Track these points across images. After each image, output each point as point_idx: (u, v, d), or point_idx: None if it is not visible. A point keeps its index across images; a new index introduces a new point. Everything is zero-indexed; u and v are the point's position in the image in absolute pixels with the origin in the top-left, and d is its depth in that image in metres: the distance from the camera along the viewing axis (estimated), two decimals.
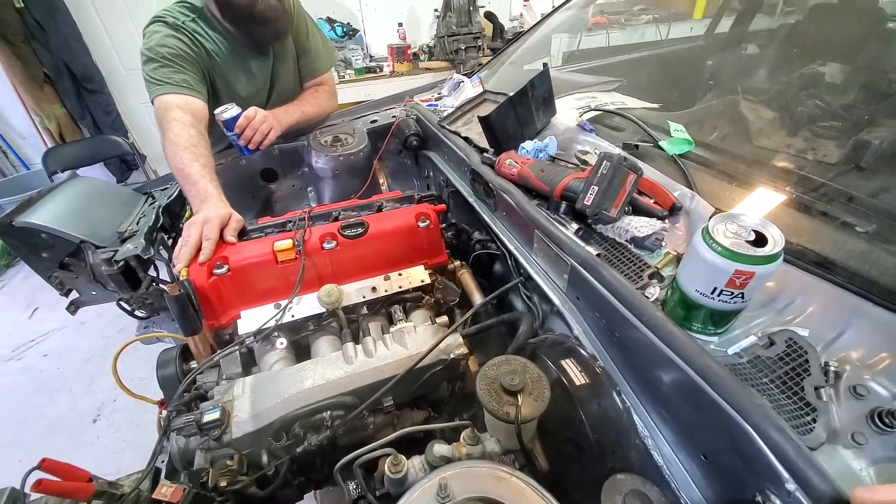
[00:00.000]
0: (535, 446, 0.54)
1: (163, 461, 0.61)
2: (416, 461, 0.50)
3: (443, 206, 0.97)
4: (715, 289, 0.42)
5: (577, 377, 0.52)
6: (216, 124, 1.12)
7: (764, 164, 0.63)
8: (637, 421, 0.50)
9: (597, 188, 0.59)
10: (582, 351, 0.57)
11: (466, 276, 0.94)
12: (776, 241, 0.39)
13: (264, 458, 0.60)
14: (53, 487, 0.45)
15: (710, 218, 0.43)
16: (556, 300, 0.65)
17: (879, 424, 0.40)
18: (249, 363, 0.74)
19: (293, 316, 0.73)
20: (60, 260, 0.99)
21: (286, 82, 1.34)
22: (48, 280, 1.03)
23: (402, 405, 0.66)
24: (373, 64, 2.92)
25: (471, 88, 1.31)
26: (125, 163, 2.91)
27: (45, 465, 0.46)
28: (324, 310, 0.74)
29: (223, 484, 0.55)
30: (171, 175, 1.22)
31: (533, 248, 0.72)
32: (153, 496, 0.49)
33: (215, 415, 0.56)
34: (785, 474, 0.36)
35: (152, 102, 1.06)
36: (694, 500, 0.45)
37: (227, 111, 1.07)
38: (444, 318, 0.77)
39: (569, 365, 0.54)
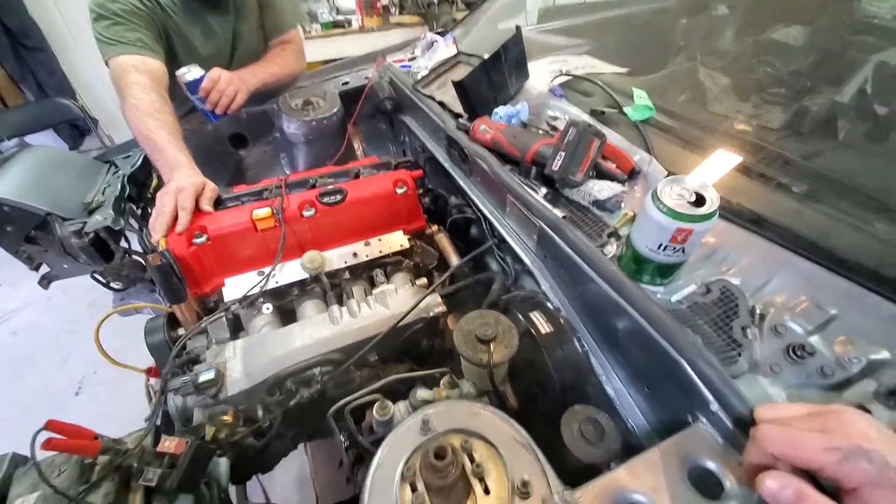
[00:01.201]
0: (506, 388, 0.61)
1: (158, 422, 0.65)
2: (401, 405, 0.56)
3: (419, 171, 0.99)
4: (661, 244, 0.47)
5: (543, 327, 0.58)
6: (177, 87, 1.07)
7: (715, 129, 0.68)
8: (594, 362, 0.58)
9: (563, 154, 0.62)
10: (548, 304, 0.63)
11: (444, 240, 0.97)
12: (713, 201, 0.44)
13: (259, 413, 0.64)
14: (62, 445, 0.48)
15: (660, 182, 0.47)
16: (526, 260, 0.71)
17: (793, 356, 0.47)
18: (237, 329, 0.77)
19: (277, 283, 0.76)
20: (26, 234, 0.96)
21: (249, 41, 1.27)
22: (16, 255, 1.00)
23: (385, 360, 0.72)
24: (340, 18, 2.76)
25: (444, 48, 1.28)
26: (76, 128, 2.71)
27: (50, 425, 0.48)
28: (307, 275, 0.76)
29: (222, 436, 0.60)
30: (132, 142, 1.17)
31: (506, 211, 0.76)
32: (157, 449, 0.53)
33: (210, 375, 0.60)
34: (710, 398, 0.43)
35: (106, 64, 1.00)
36: (639, 425, 0.53)
37: (190, 72, 1.02)
38: (424, 280, 0.81)
39: (536, 317, 0.60)
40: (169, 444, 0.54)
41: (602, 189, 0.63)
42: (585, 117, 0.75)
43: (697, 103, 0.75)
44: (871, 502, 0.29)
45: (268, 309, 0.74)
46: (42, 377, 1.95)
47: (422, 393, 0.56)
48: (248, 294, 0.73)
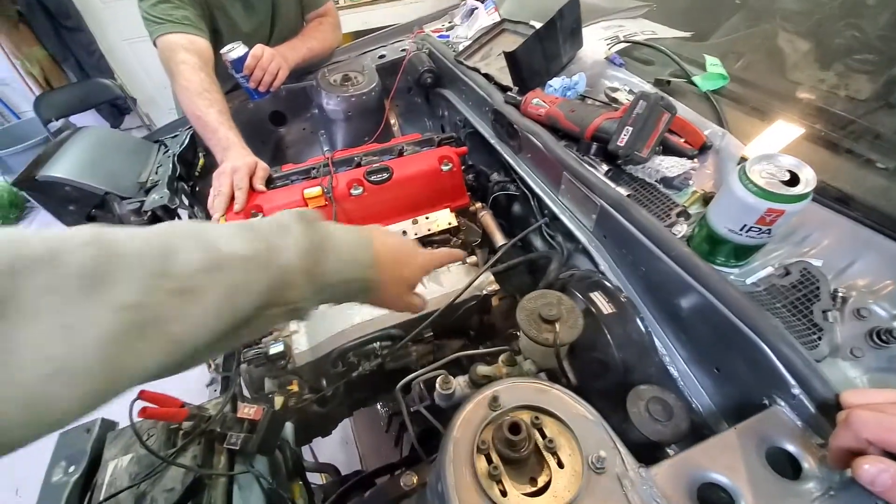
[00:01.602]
0: (566, 366, 0.61)
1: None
2: (461, 380, 0.58)
3: (464, 148, 0.98)
4: (744, 226, 0.45)
5: (605, 307, 0.58)
6: (219, 63, 1.07)
7: (795, 99, 0.63)
8: (657, 342, 0.57)
9: (631, 129, 0.60)
10: (607, 283, 0.62)
11: (487, 218, 0.97)
12: (808, 181, 0.42)
13: (323, 382, 0.68)
14: (157, 413, 0.52)
15: (744, 157, 0.45)
16: (583, 239, 0.69)
17: (876, 341, 0.46)
18: None
19: None
20: (87, 212, 1.02)
21: (288, 15, 1.25)
22: None
23: (439, 335, 0.73)
24: None
25: (485, 16, 1.23)
26: (116, 107, 2.79)
27: (143, 395, 0.53)
28: None
29: (291, 404, 0.64)
30: (178, 122, 1.20)
31: (560, 189, 0.75)
32: (238, 415, 0.57)
33: (280, 347, 0.63)
34: (791, 381, 0.42)
35: (154, 43, 1.01)
36: (704, 405, 0.53)
37: (234, 50, 1.02)
38: (474, 258, 0.81)
39: (597, 296, 0.59)
40: (248, 410, 0.58)
41: (670, 166, 0.60)
42: (653, 89, 0.71)
43: (775, 71, 0.69)
44: None
45: None
46: None
47: (482, 368, 0.57)
48: None
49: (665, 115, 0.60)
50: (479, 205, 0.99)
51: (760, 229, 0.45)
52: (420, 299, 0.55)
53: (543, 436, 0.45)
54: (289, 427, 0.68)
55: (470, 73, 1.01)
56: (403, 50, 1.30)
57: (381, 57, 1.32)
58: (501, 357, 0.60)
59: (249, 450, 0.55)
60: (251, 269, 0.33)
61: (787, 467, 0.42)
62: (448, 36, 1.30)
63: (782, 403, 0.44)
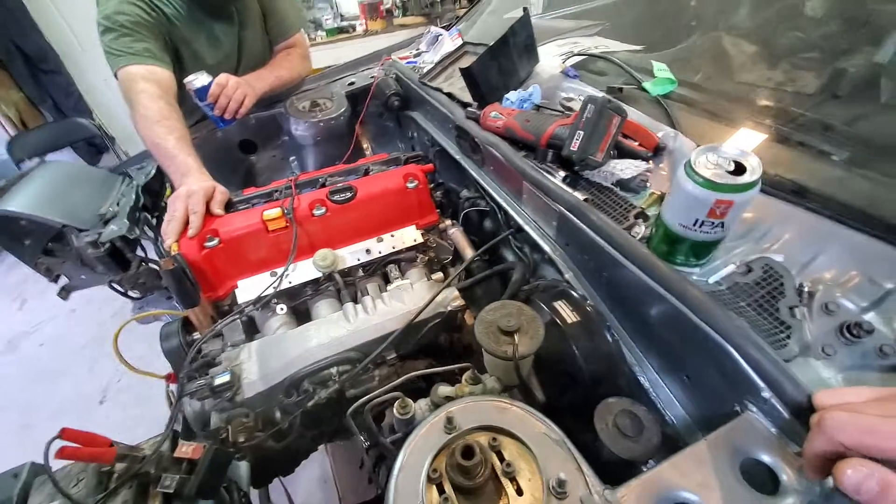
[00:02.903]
0: (531, 381, 0.58)
1: (177, 427, 0.64)
2: (422, 403, 0.54)
3: (430, 165, 0.97)
4: (697, 220, 0.44)
5: (569, 316, 0.55)
6: (187, 97, 1.07)
7: (744, 98, 0.64)
8: (625, 351, 0.54)
9: (582, 133, 0.59)
10: (573, 292, 0.60)
11: (458, 234, 0.95)
12: (754, 168, 0.40)
13: (277, 415, 0.63)
14: (77, 453, 0.47)
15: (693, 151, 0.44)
16: (546, 248, 0.67)
17: (847, 336, 0.43)
18: (251, 331, 0.76)
19: (290, 283, 0.74)
20: (44, 246, 0.97)
21: (255, 48, 1.27)
22: (34, 267, 1.01)
23: (405, 358, 0.69)
24: (345, 24, 2.77)
25: (450, 42, 1.26)
26: (94, 146, 2.78)
27: (65, 434, 0.47)
28: (320, 274, 0.75)
29: (241, 440, 0.58)
30: (146, 153, 1.18)
31: (522, 199, 0.73)
32: (174, 455, 0.51)
33: (226, 378, 0.58)
34: (761, 384, 0.39)
35: (115, 76, 1.01)
36: (677, 416, 0.50)
37: (198, 79, 1.02)
38: (440, 275, 0.79)
39: (561, 306, 0.56)
40: (186, 448, 0.52)
41: (625, 168, 0.59)
42: (602, 94, 0.71)
43: (723, 74, 0.71)
44: None
45: (282, 309, 0.73)
46: (68, 387, 2.00)
47: (443, 389, 0.53)
48: (262, 295, 0.71)
49: (615, 119, 0.60)
50: (448, 221, 0.98)
51: (713, 223, 0.43)
52: None
53: (502, 459, 0.41)
54: (243, 467, 0.62)
55: (433, 93, 1.02)
56: (372, 77, 1.32)
57: (351, 84, 1.33)
58: (465, 375, 0.56)
59: (186, 493, 0.49)
60: None
61: (766, 480, 0.38)
62: (416, 62, 1.32)
63: (754, 409, 0.40)
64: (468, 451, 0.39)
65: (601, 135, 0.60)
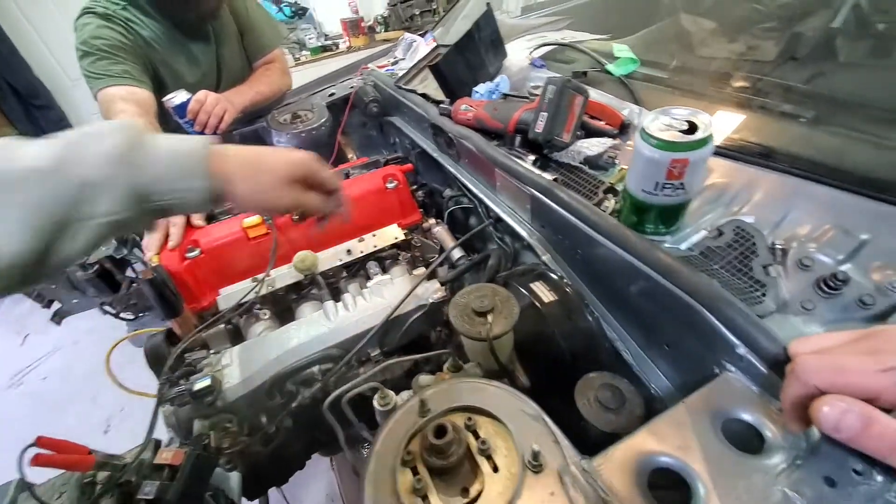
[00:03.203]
0: (515, 367, 0.57)
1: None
2: (404, 394, 0.53)
3: (409, 165, 0.97)
4: (657, 183, 0.44)
5: (546, 296, 0.54)
6: (170, 118, 1.09)
7: (706, 71, 0.64)
8: (606, 327, 0.53)
9: (546, 114, 0.59)
10: (550, 273, 0.59)
11: (442, 232, 0.94)
12: (705, 126, 0.40)
13: (263, 419, 0.62)
14: (52, 460, 0.46)
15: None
16: (523, 233, 0.67)
17: (825, 289, 0.42)
18: (237, 340, 0.76)
19: (271, 288, 0.74)
20: None
21: (233, 65, 1.30)
22: (27, 294, 1.02)
23: (390, 353, 0.68)
24: (328, 42, 2.83)
25: (425, 47, 1.28)
26: None
27: (41, 441, 0.47)
28: (301, 277, 0.74)
29: (225, 445, 0.57)
30: None
31: (497, 188, 0.73)
32: (155, 461, 0.51)
33: (206, 382, 0.57)
34: (735, 341, 0.39)
35: (95, 98, 1.03)
36: (662, 388, 0.48)
37: (177, 97, 1.04)
38: (423, 270, 0.78)
39: (538, 287, 0.56)
40: (166, 454, 0.52)
41: (590, 145, 0.59)
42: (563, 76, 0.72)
43: (685, 50, 0.71)
44: None
45: (265, 314, 0.72)
46: (72, 419, 1.98)
47: (424, 378, 0.52)
48: (242, 301, 0.71)
49: (578, 98, 0.60)
50: (432, 220, 0.98)
51: (673, 185, 0.43)
52: (314, 198, 0.53)
53: (478, 437, 0.40)
54: (234, 478, 0.61)
55: (409, 96, 1.03)
56: (352, 87, 1.34)
57: (331, 95, 1.35)
58: (446, 364, 0.55)
59: (168, 499, 0.49)
60: (46, 182, 0.33)
61: (752, 439, 0.37)
62: (393, 69, 1.34)
63: (732, 369, 0.39)
64: (440, 431, 0.38)
65: (565, 115, 0.60)
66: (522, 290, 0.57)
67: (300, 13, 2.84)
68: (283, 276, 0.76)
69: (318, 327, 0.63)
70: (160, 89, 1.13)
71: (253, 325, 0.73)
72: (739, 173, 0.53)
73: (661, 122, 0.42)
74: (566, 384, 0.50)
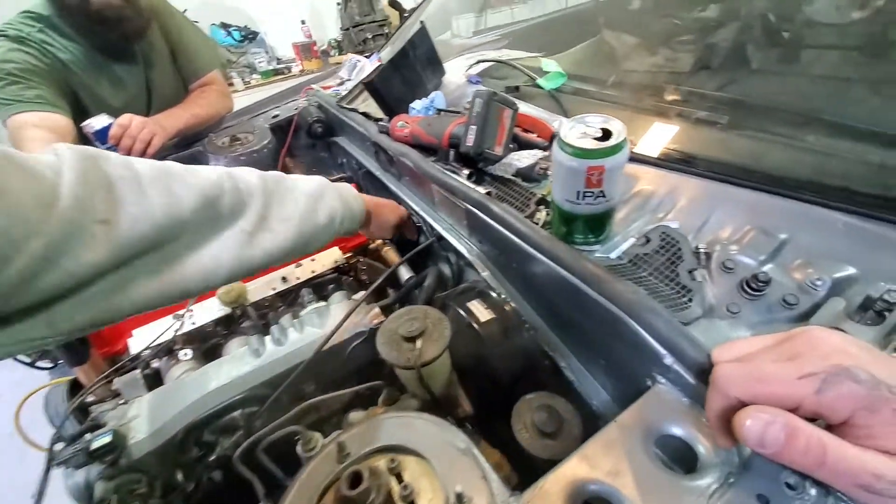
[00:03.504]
0: (457, 392, 0.53)
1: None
2: (335, 436, 0.48)
3: (352, 185, 0.94)
4: (578, 192, 0.42)
5: (483, 315, 0.52)
6: (91, 145, 1.01)
7: (628, 83, 0.66)
8: (545, 343, 0.51)
9: (475, 127, 0.58)
10: (488, 291, 0.57)
11: (391, 253, 0.91)
12: (619, 132, 0.40)
13: (179, 476, 0.54)
14: None
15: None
16: (463, 250, 0.65)
17: (749, 291, 0.42)
18: (157, 386, 0.68)
19: (194, 324, 0.67)
20: None
21: (166, 88, 1.24)
22: None
23: (328, 387, 0.63)
24: (280, 66, 2.79)
25: (370, 67, 1.27)
26: None
27: None
28: (228, 311, 0.68)
29: None
30: None
31: (435, 203, 0.71)
32: None
33: (106, 439, 0.50)
34: (661, 350, 0.37)
35: (4, 125, 0.94)
36: (603, 403, 0.46)
37: (96, 121, 0.97)
38: (362, 294, 0.74)
39: (475, 306, 0.53)
40: None
41: (521, 157, 0.59)
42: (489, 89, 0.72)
43: (609, 65, 0.73)
44: (872, 432, 0.23)
45: (186, 355, 0.65)
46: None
47: (354, 416, 0.48)
48: (153, 343, 0.64)
49: (506, 111, 0.60)
50: (379, 241, 0.94)
51: (594, 193, 0.42)
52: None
53: (401, 481, 0.36)
54: None
55: (350, 114, 1.01)
56: (297, 108, 1.30)
57: (275, 117, 1.31)
58: (381, 396, 0.51)
59: None
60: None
61: (685, 455, 0.35)
62: (339, 90, 1.32)
63: (662, 380, 0.38)
64: (355, 479, 0.34)
65: (495, 128, 0.59)
66: (460, 311, 0.54)
67: (250, 37, 2.79)
68: (208, 310, 0.70)
69: (242, 365, 0.57)
70: (81, 114, 1.04)
71: (172, 367, 0.66)
72: (663, 180, 0.53)
73: (577, 130, 0.41)
74: (509, 406, 0.47)
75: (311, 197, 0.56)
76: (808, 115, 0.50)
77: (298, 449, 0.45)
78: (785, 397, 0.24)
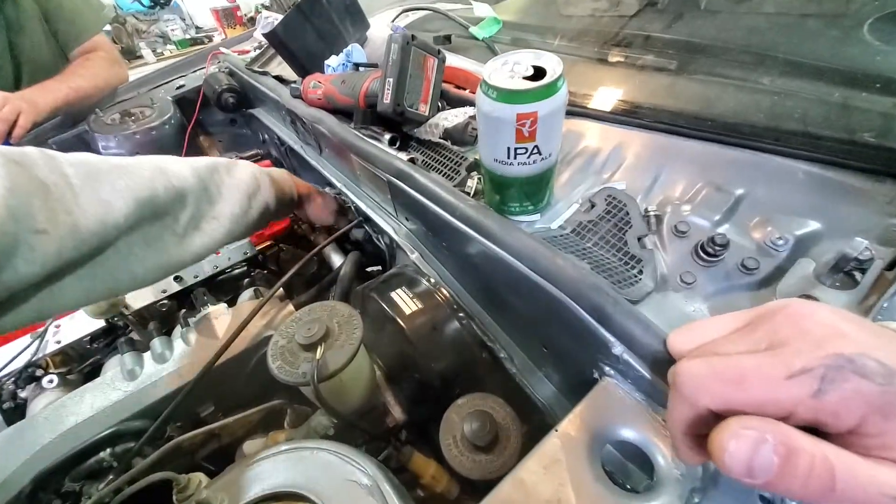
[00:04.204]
0: (386, 399, 0.45)
1: None
2: (215, 482, 0.38)
3: (266, 161, 0.81)
4: (509, 149, 0.34)
5: (408, 305, 0.43)
6: None
7: (569, 29, 0.58)
8: (480, 334, 0.43)
9: (392, 80, 0.48)
10: (417, 276, 0.48)
11: (320, 239, 0.80)
12: (554, 69, 0.31)
13: None
14: None
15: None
16: (390, 230, 0.55)
17: (704, 257, 0.36)
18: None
19: (59, 342, 0.54)
20: None
21: (38, 56, 1.01)
22: None
23: (232, 410, 0.52)
24: (200, 35, 2.47)
25: None
26: None
27: None
28: (102, 323, 0.55)
29: None
30: None
31: (358, 177, 0.61)
32: None
33: None
34: (609, 337, 0.30)
35: None
36: (549, 397, 0.40)
37: None
38: (282, 291, 0.63)
39: (399, 295, 0.44)
40: None
41: (449, 116, 0.49)
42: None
43: (549, 11, 0.65)
44: (886, 441, 0.16)
45: (51, 382, 0.52)
46: None
47: (250, 446, 0.38)
48: (2, 369, 0.50)
49: (430, 60, 0.50)
50: (306, 226, 0.82)
51: (527, 149, 0.34)
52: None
53: None
54: None
55: (261, 79, 0.87)
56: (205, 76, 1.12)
57: (180, 87, 1.12)
58: (286, 418, 0.42)
59: None
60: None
61: (646, 465, 0.29)
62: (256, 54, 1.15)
63: (611, 372, 0.31)
64: None
65: (418, 82, 0.49)
66: (381, 303, 0.45)
67: (163, 2, 2.43)
68: (81, 323, 0.56)
69: (110, 393, 0.45)
70: None
71: (36, 397, 0.53)
72: (608, 135, 0.46)
73: (504, 70, 0.32)
74: (447, 405, 0.39)
75: (245, 194, 0.52)
76: (763, 53, 0.44)
77: (175, 498, 0.35)
78: (772, 404, 0.17)
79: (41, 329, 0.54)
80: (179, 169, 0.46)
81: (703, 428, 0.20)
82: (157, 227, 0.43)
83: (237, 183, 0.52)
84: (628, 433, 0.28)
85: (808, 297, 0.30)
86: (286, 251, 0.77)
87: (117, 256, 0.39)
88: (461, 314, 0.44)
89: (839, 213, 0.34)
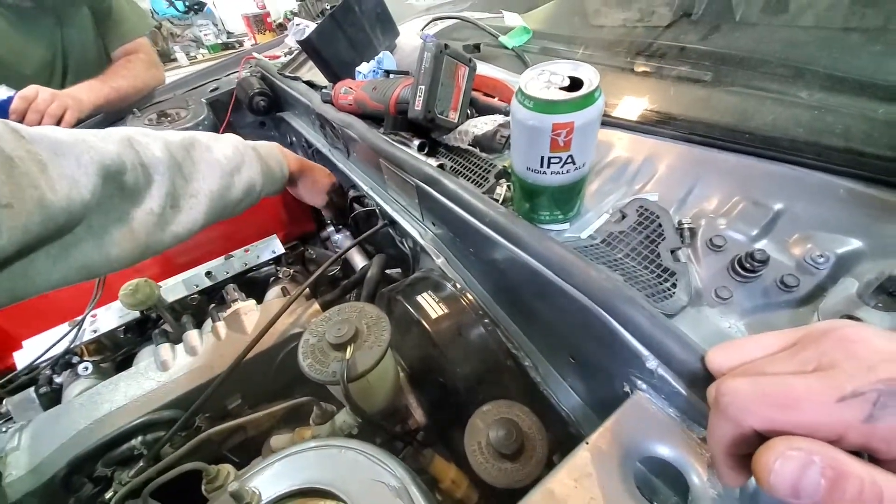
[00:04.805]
0: (408, 402, 0.45)
1: None
2: (243, 473, 0.39)
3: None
4: (542, 158, 0.34)
5: (434, 309, 0.43)
6: None
7: (601, 40, 0.58)
8: (505, 340, 0.43)
9: (423, 87, 0.49)
10: (442, 280, 0.48)
11: (344, 241, 0.81)
12: (591, 80, 0.32)
13: None
14: None
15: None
16: (415, 234, 0.56)
17: (741, 272, 0.35)
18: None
19: (95, 332, 0.56)
20: None
21: (85, 53, 1.07)
22: None
23: (258, 403, 0.53)
24: (231, 39, 2.56)
25: None
26: None
27: None
28: (136, 315, 0.57)
29: None
30: None
31: (386, 181, 0.62)
32: None
33: None
34: (644, 351, 0.30)
35: None
36: (575, 408, 0.39)
37: None
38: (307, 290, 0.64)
39: (425, 299, 0.45)
40: None
41: (479, 124, 0.50)
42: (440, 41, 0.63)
43: (579, 21, 0.65)
44: None
45: (86, 369, 0.54)
46: None
47: (277, 441, 0.39)
48: (41, 356, 0.52)
49: (462, 69, 0.50)
50: (330, 228, 0.84)
51: (561, 158, 0.34)
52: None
53: None
54: None
55: (292, 84, 0.89)
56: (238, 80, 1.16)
57: (214, 90, 1.17)
58: (312, 414, 0.42)
59: None
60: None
61: (676, 483, 0.28)
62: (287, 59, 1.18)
63: (644, 387, 0.31)
64: None
65: (449, 89, 0.50)
66: (408, 306, 0.45)
67: (196, 8, 2.53)
68: (115, 314, 0.58)
69: (144, 382, 0.47)
70: None
71: (72, 383, 0.55)
72: (640, 146, 0.45)
73: (541, 80, 0.33)
74: (469, 411, 0.39)
75: (226, 171, 0.51)
76: (802, 66, 0.43)
77: (203, 488, 0.36)
78: (822, 427, 0.17)
79: (79, 318, 0.56)
80: (149, 143, 0.45)
81: (746, 448, 0.20)
82: (128, 203, 0.41)
83: (217, 158, 0.50)
84: (663, 450, 0.28)
85: (852, 317, 0.29)
86: (311, 251, 0.78)
87: (90, 235, 0.39)
88: (486, 320, 0.44)
89: (882, 231, 0.33)
